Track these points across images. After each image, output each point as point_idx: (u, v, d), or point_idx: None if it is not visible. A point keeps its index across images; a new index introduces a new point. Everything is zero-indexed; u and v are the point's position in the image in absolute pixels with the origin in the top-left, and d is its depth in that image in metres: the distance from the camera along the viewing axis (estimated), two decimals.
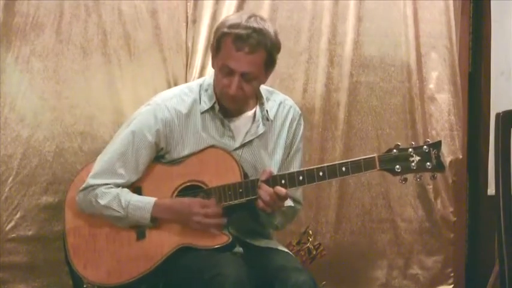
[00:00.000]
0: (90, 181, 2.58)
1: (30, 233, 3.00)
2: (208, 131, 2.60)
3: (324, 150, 3.51)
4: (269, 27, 2.51)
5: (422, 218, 3.70)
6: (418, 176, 2.52)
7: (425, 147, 2.50)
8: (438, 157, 2.50)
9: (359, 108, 3.58)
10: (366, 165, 2.49)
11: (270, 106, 2.67)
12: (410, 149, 2.50)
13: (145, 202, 2.53)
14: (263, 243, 2.67)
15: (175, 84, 3.13)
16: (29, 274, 3.02)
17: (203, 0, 3.30)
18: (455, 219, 3.77)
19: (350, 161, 2.50)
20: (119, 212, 2.53)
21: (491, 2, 3.68)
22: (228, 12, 3.30)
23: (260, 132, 2.64)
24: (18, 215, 2.99)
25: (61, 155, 3.03)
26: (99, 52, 3.11)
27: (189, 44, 3.29)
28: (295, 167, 2.67)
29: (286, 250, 2.72)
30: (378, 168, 2.49)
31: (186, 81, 3.24)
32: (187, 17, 3.29)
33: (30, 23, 2.99)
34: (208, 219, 2.49)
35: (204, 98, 2.60)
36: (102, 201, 2.54)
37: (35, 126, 3.01)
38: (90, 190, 2.57)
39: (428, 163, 2.49)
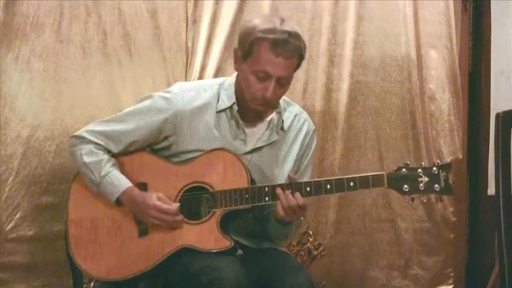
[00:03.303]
0: (85, 134, 2.59)
1: (30, 233, 3.01)
2: (221, 130, 2.58)
3: (324, 150, 3.51)
4: (298, 30, 2.51)
5: (422, 218, 3.70)
6: (424, 196, 2.51)
7: (434, 168, 2.49)
8: (447, 180, 2.48)
9: (359, 108, 3.58)
10: (374, 182, 2.49)
11: (286, 116, 2.66)
12: (419, 169, 2.49)
13: (120, 183, 2.53)
14: (262, 244, 2.66)
15: None
16: (29, 274, 3.02)
17: (203, 0, 3.30)
18: (455, 219, 3.77)
19: (358, 177, 2.49)
20: (95, 176, 2.54)
21: (491, 2, 3.69)
22: (228, 12, 3.31)
23: (272, 140, 2.62)
24: (18, 215, 2.99)
25: (61, 155, 3.03)
26: (99, 52, 3.11)
27: (189, 44, 3.29)
28: None
29: (285, 250, 2.72)
30: (386, 186, 2.49)
31: (185, 81, 3.24)
32: (187, 17, 3.29)
33: (30, 23, 2.99)
34: (163, 217, 2.49)
35: (223, 97, 2.59)
36: (87, 159, 2.55)
37: (35, 126, 3.01)
38: (82, 141, 2.58)
39: (436, 185, 2.48)
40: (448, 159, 3.71)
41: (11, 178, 2.98)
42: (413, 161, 3.64)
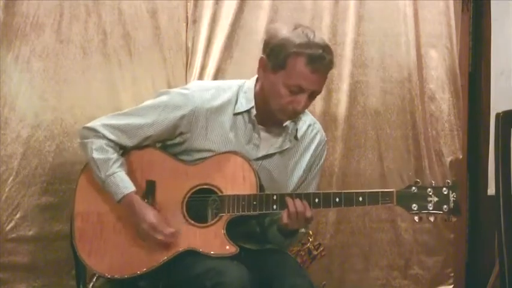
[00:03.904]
0: (100, 128, 2.58)
1: (30, 233, 3.00)
2: (236, 132, 2.57)
3: None
4: (327, 41, 2.51)
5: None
6: (432, 216, 2.50)
7: (444, 189, 2.48)
8: (456, 201, 2.48)
9: (359, 108, 3.58)
10: (383, 198, 2.48)
11: (300, 125, 2.65)
12: (429, 189, 2.48)
13: (124, 186, 2.52)
14: (263, 246, 2.65)
15: (176, 84, 3.12)
16: (29, 274, 3.01)
17: (203, 0, 3.29)
18: (455, 219, 3.76)
19: (368, 192, 2.49)
20: (100, 174, 2.53)
21: (491, 2, 3.69)
22: (228, 12, 3.30)
23: (284, 148, 2.62)
24: (18, 215, 2.98)
25: (61, 155, 3.03)
26: (99, 52, 3.11)
27: (189, 44, 3.29)
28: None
29: (285, 251, 2.71)
30: (395, 203, 2.48)
31: (186, 81, 3.24)
32: (187, 17, 3.28)
33: (30, 23, 2.99)
34: (154, 234, 2.49)
35: (242, 100, 2.58)
36: (95, 155, 2.54)
37: (35, 126, 3.01)
38: (95, 134, 2.57)
39: (445, 206, 2.48)
40: (448, 159, 3.71)
41: (11, 178, 2.98)
42: (413, 161, 3.65)
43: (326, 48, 2.47)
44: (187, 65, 3.29)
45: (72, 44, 3.06)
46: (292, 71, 2.45)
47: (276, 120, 2.58)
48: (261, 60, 2.53)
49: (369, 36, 3.56)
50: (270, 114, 2.55)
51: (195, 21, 3.29)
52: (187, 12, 3.28)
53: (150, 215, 2.50)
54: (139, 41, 3.18)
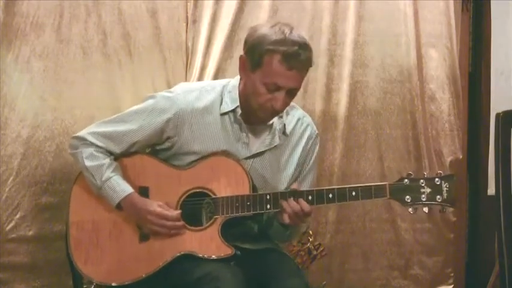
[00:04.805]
0: (87, 136, 2.57)
1: (30, 233, 3.00)
2: (224, 132, 2.57)
3: (324, 150, 3.51)
4: (305, 37, 2.48)
5: (422, 218, 3.69)
6: (427, 208, 2.49)
7: (437, 179, 2.48)
8: (449, 191, 2.47)
9: (359, 108, 3.58)
10: (376, 192, 2.48)
11: (289, 120, 2.65)
12: (421, 180, 2.48)
13: (121, 189, 2.52)
14: (261, 245, 2.65)
15: (176, 85, 3.12)
16: (29, 274, 3.01)
17: (203, 0, 3.30)
18: (455, 219, 3.78)
19: (360, 187, 2.49)
20: (96, 181, 2.53)
21: (491, 2, 3.69)
22: (228, 12, 3.30)
23: (274, 145, 2.61)
24: (18, 215, 2.98)
25: (61, 155, 3.03)
26: (99, 52, 3.11)
27: (189, 44, 3.29)
28: (305, 187, 2.65)
29: (283, 252, 2.71)
30: (388, 196, 2.48)
31: (186, 81, 3.24)
32: (187, 17, 3.29)
33: (30, 23, 2.99)
34: (163, 223, 2.49)
35: (227, 100, 2.57)
36: (88, 163, 2.54)
37: (35, 126, 3.01)
38: (83, 143, 2.57)
39: (438, 196, 2.47)
40: (448, 159, 3.71)
41: (11, 178, 2.98)
42: (413, 161, 3.66)
43: (302, 45, 2.44)
44: (187, 65, 3.29)
45: (72, 44, 3.06)
46: (268, 68, 2.44)
47: (258, 119, 2.57)
48: (240, 59, 2.53)
49: (369, 36, 3.57)
50: (253, 112, 2.55)
51: (195, 21, 3.29)
52: (187, 12, 3.28)
53: (153, 205, 2.50)
54: (139, 41, 3.18)
